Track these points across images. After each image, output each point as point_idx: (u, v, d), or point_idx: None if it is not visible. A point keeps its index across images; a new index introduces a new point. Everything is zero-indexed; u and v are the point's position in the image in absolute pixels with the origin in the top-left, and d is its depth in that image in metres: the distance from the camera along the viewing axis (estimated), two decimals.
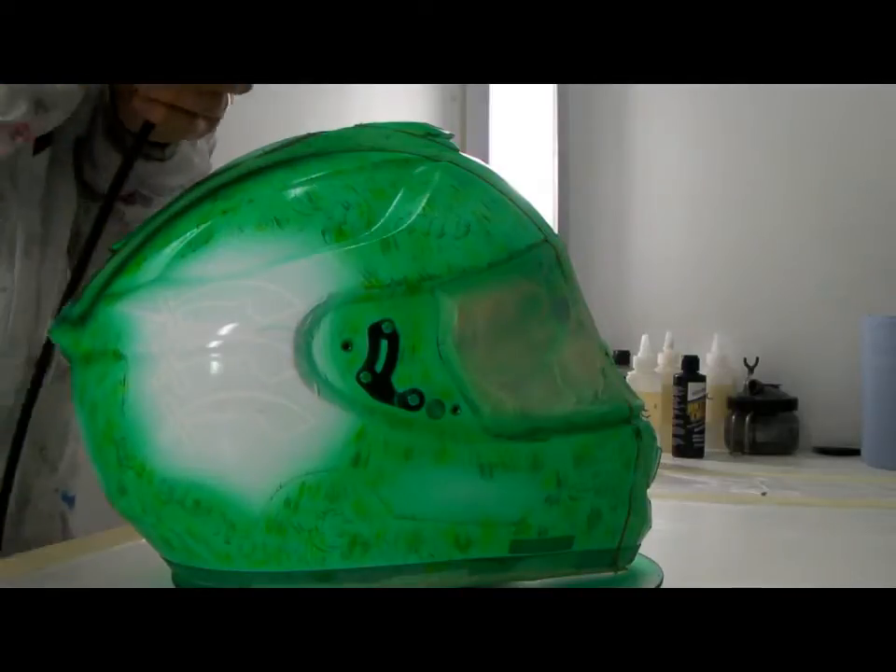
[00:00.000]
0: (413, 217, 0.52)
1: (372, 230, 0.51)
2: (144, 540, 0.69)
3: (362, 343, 0.49)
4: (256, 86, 0.65)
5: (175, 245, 0.52)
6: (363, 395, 0.49)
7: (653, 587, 0.57)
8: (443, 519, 0.51)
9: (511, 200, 0.56)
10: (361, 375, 0.49)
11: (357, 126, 0.57)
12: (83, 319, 0.54)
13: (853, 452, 1.58)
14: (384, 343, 0.49)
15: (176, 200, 0.55)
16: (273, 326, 0.49)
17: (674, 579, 0.58)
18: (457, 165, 0.55)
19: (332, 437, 0.49)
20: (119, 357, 0.52)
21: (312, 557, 0.50)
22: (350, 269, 0.50)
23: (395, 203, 0.52)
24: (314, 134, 0.56)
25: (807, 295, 1.73)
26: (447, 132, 0.58)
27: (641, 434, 0.55)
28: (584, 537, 0.53)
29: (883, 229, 1.68)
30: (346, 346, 0.49)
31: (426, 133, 0.57)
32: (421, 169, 0.54)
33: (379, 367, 0.49)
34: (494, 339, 0.52)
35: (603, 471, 0.54)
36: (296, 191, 0.52)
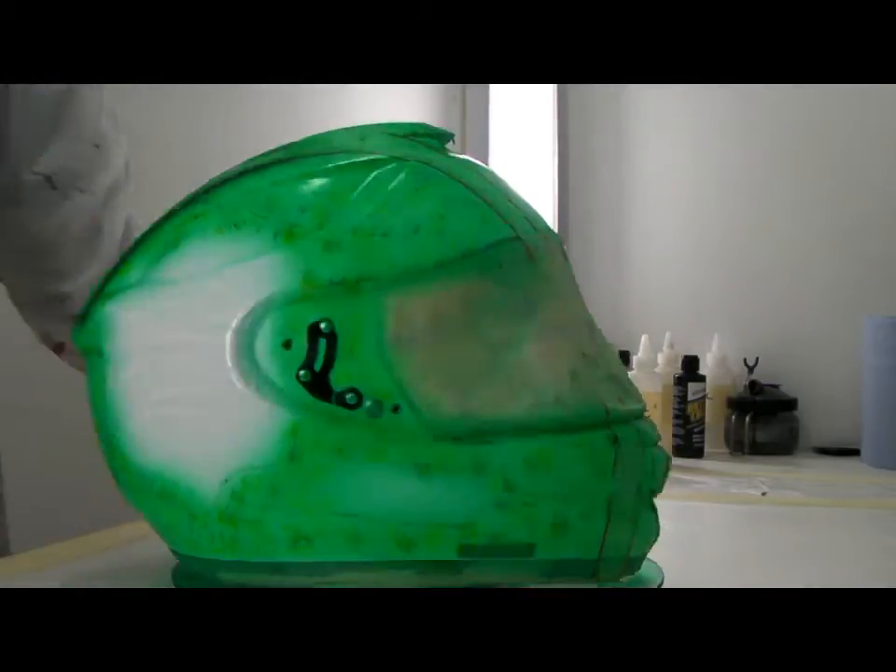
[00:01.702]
0: (362, 217, 0.52)
1: (321, 231, 0.52)
2: (144, 540, 0.69)
3: (302, 342, 0.50)
4: (257, 86, 0.65)
5: (156, 248, 0.55)
6: (302, 393, 0.50)
7: (653, 587, 0.57)
8: (383, 518, 0.51)
9: (483, 197, 0.54)
10: (301, 374, 0.50)
11: (343, 129, 0.58)
12: (83, 318, 0.57)
13: (853, 452, 1.58)
14: (322, 342, 0.50)
15: (174, 205, 0.57)
16: (218, 325, 0.51)
17: (674, 579, 0.58)
18: (427, 164, 0.55)
19: (270, 433, 0.50)
20: (101, 353, 0.55)
21: (263, 549, 0.52)
22: (291, 270, 0.51)
23: (349, 204, 0.52)
24: (296, 141, 0.57)
25: (808, 295, 1.73)
26: (446, 130, 0.58)
27: (620, 441, 0.52)
28: (549, 545, 0.52)
29: (884, 229, 1.68)
30: (287, 345, 0.50)
31: (409, 134, 0.57)
32: (385, 170, 0.54)
33: (317, 365, 0.50)
34: (437, 338, 0.51)
35: (566, 478, 0.51)
36: (258, 195, 0.54)
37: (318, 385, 0.50)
